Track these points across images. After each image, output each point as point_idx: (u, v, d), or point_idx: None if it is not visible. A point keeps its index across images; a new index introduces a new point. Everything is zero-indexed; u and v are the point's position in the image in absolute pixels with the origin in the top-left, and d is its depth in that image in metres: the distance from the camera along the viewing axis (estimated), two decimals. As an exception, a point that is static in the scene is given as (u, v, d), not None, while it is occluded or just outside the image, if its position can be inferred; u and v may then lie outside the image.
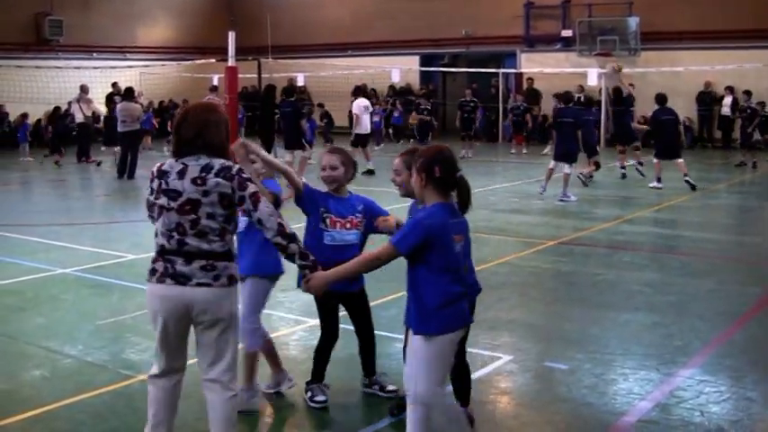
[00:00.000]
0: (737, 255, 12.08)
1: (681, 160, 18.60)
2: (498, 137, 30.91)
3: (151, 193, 4.83)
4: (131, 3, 34.89)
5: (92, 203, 18.03)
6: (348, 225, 5.97)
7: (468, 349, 7.33)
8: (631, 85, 23.68)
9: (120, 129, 21.11)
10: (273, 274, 6.12)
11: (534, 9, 31.97)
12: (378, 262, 4.80)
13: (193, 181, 4.67)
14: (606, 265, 10.96)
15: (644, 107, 28.20)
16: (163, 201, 4.74)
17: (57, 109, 28.62)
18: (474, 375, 6.69)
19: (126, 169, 20.65)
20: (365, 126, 21.96)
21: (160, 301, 4.79)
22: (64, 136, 25.99)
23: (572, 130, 16.90)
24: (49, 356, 7.36)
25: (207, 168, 4.68)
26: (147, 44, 35.42)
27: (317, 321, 6.38)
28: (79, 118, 25.01)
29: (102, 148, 25.78)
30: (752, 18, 27.13)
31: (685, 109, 27.04)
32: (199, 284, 4.69)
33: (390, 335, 7.35)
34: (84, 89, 25.17)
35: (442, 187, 4.79)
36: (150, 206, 4.89)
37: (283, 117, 20.34)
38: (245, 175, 4.74)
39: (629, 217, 14.73)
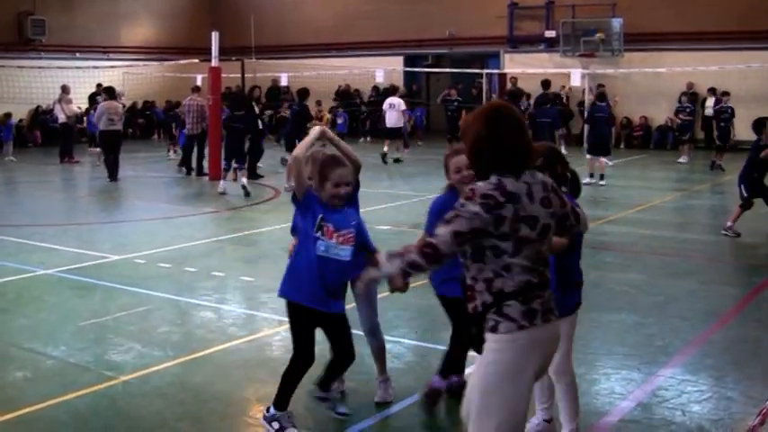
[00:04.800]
0: (719, 255, 12.14)
1: (604, 159, 19.15)
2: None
3: (497, 224, 3.91)
4: (114, 3, 34.73)
5: (75, 204, 17.96)
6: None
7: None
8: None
9: (103, 127, 20.75)
10: None
11: (518, 10, 32.02)
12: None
13: (542, 203, 4.06)
14: (589, 266, 10.89)
15: (626, 108, 28.44)
16: (525, 231, 3.97)
17: (38, 108, 28.59)
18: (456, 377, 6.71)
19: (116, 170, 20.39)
20: (395, 121, 24.49)
21: (543, 346, 4.10)
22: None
23: (549, 130, 17.03)
24: (31, 357, 7.34)
25: (546, 187, 4.13)
26: (130, 44, 35.26)
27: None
28: (62, 118, 24.93)
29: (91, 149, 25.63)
30: (734, 20, 27.25)
31: (668, 110, 27.17)
32: (558, 316, 4.19)
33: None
34: (65, 89, 25.08)
35: (560, 183, 4.86)
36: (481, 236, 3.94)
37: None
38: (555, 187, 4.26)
39: (613, 217, 14.78)
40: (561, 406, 5.45)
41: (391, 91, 26.06)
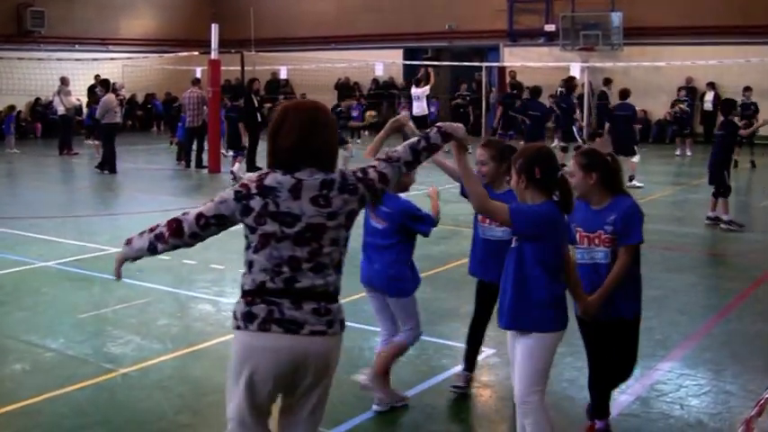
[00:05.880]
0: (718, 249, 12.15)
1: (635, 159, 17.66)
2: (481, 131, 30.81)
3: (243, 214, 3.82)
4: (113, -6, 34.74)
5: (73, 196, 17.95)
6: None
7: (451, 343, 7.40)
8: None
9: (107, 120, 20.69)
10: None
11: (517, 3, 31.98)
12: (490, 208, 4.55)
13: (313, 201, 3.81)
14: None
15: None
16: (272, 227, 3.78)
17: (37, 100, 28.47)
18: (456, 368, 6.70)
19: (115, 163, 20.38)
20: (420, 110, 24.99)
21: (264, 356, 3.79)
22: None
23: (540, 122, 17.01)
24: (30, 350, 7.34)
25: (329, 185, 3.83)
26: (129, 36, 35.18)
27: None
28: (61, 110, 24.92)
29: (87, 141, 25.61)
30: (734, 14, 27.22)
31: (668, 104, 27.14)
32: (313, 333, 3.80)
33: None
34: (64, 81, 25.06)
35: (543, 188, 4.60)
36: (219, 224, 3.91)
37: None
38: (361, 175, 3.93)
39: (611, 211, 14.73)
40: None
41: (414, 83, 26.57)
